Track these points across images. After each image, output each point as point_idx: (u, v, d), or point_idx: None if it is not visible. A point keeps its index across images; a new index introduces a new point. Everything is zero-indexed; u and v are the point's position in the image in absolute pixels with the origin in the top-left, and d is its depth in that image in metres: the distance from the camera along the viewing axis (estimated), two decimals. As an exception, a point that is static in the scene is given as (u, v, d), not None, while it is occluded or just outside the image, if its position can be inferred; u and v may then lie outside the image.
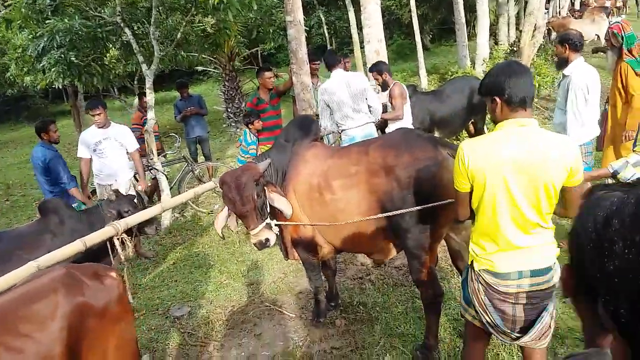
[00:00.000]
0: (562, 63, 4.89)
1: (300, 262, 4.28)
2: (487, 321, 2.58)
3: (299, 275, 5.31)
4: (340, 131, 5.84)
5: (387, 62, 8.46)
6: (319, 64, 7.71)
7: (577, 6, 29.83)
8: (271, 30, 14.51)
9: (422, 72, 13.76)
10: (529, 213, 2.38)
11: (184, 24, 8.54)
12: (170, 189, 7.64)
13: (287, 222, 3.90)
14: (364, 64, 11.34)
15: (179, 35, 8.55)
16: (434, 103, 7.59)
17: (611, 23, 5.37)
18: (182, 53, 12.18)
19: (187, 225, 7.50)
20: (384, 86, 6.42)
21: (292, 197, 3.89)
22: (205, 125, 9.44)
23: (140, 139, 8.02)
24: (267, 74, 6.92)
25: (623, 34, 5.14)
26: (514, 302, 2.49)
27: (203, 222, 7.53)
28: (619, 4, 29.74)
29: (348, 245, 3.91)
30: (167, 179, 7.71)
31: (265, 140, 6.88)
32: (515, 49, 13.56)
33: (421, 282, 3.58)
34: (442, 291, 3.70)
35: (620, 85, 5.25)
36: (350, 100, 5.64)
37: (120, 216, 4.49)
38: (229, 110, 14.29)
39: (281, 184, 3.97)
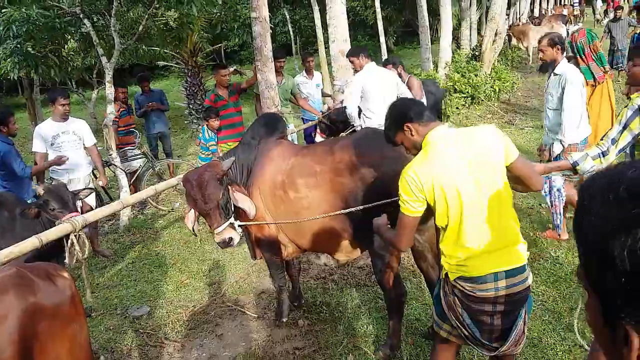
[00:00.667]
0: (549, 65, 4.97)
1: (265, 261, 4.25)
2: (465, 335, 2.55)
3: (262, 275, 5.26)
4: (359, 124, 5.88)
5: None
6: (284, 61, 7.68)
7: (536, 13, 30.65)
8: (235, 27, 14.38)
9: (387, 73, 13.86)
10: (493, 208, 2.41)
11: (146, 17, 8.36)
12: (129, 185, 7.46)
13: (249, 222, 3.86)
14: (329, 63, 11.36)
15: (140, 29, 8.37)
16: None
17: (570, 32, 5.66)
18: (144, 47, 11.95)
19: (146, 223, 7.34)
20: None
21: (257, 196, 3.86)
22: (166, 121, 9.28)
23: (121, 132, 7.90)
24: (223, 71, 6.87)
25: (575, 44, 5.32)
26: (492, 309, 2.46)
27: (163, 220, 7.38)
28: (576, 12, 30.68)
29: (312, 245, 3.89)
30: (126, 175, 7.53)
31: (226, 138, 6.81)
32: (476, 53, 13.85)
33: (385, 282, 3.59)
34: (405, 291, 3.72)
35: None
36: (386, 94, 5.72)
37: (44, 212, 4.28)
38: (191, 106, 14.08)
39: (246, 182, 3.92)
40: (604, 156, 3.03)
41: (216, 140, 6.57)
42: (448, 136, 2.46)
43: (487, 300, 2.45)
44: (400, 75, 6.49)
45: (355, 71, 6.07)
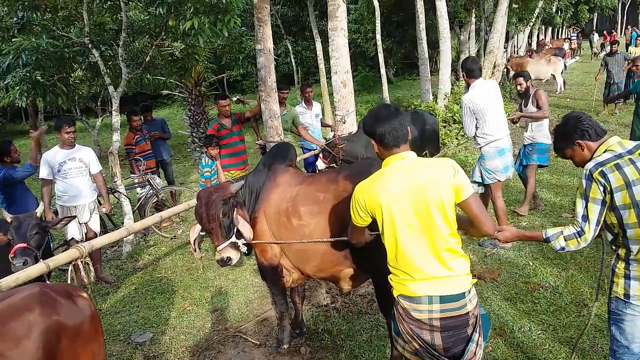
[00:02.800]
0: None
1: (267, 286, 4.31)
2: (415, 348, 2.61)
3: (264, 302, 5.30)
4: (483, 145, 5.82)
5: (352, 92, 8.69)
6: (287, 92, 7.83)
7: (534, 46, 31.13)
8: (240, 58, 14.63)
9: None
10: (431, 238, 2.50)
11: (153, 47, 8.55)
12: (133, 212, 7.54)
13: (253, 241, 3.95)
14: (330, 94, 11.54)
15: (147, 59, 8.55)
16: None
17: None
18: (149, 76, 12.17)
19: (149, 250, 7.39)
20: (526, 92, 6.82)
21: (262, 220, 3.94)
22: (168, 149, 9.42)
23: (135, 159, 8.10)
24: (222, 102, 6.97)
25: None
26: (429, 329, 2.53)
27: (166, 247, 7.43)
28: (574, 45, 31.19)
29: (316, 272, 3.94)
30: (130, 202, 7.62)
31: (229, 166, 6.90)
32: (476, 85, 14.06)
33: (389, 310, 3.62)
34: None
35: None
36: (498, 107, 5.80)
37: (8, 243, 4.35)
38: (194, 135, 14.21)
39: (254, 207, 4.02)
40: (579, 236, 2.81)
41: (212, 167, 6.69)
42: (400, 165, 2.56)
43: (424, 322, 2.53)
44: (527, 88, 6.81)
45: (468, 86, 6.01)
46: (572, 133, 2.95)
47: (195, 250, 4.23)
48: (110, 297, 5.93)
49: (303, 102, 8.40)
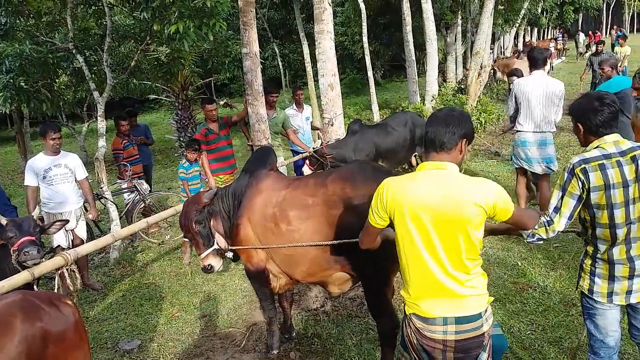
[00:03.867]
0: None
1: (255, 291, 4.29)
2: None
3: (253, 307, 5.27)
4: (516, 131, 6.11)
5: (340, 95, 8.68)
6: (277, 95, 7.80)
7: (520, 47, 31.36)
8: (226, 61, 14.59)
9: (374, 106, 14.09)
10: (449, 257, 2.37)
11: (138, 52, 8.50)
12: (120, 218, 7.47)
13: (231, 248, 3.94)
14: (318, 96, 11.53)
15: (132, 64, 8.50)
16: (380, 135, 7.85)
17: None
18: (135, 81, 12.09)
19: (137, 256, 7.32)
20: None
21: (247, 226, 3.91)
22: (150, 154, 9.46)
23: (122, 163, 8.07)
24: (209, 106, 6.93)
25: None
26: (442, 349, 2.46)
27: (153, 253, 7.37)
28: (560, 46, 31.46)
29: (304, 277, 3.92)
30: (117, 208, 7.55)
31: (218, 170, 6.88)
32: (462, 86, 14.14)
33: (379, 314, 3.62)
34: (399, 323, 3.75)
35: None
36: (542, 105, 5.83)
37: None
38: (181, 139, 14.18)
39: (236, 213, 4.01)
40: (548, 225, 2.84)
41: (189, 170, 6.76)
42: (434, 174, 2.43)
43: (437, 341, 2.45)
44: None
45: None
46: (583, 113, 2.85)
47: (184, 254, 4.24)
48: (97, 304, 5.86)
49: (294, 105, 8.39)
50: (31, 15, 8.78)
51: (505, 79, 18.42)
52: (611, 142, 2.78)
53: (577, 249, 5.60)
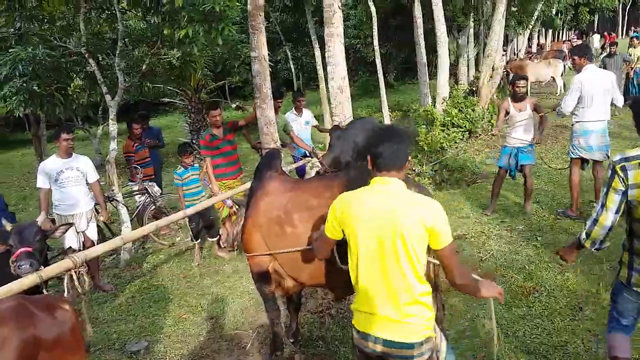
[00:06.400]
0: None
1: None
2: None
3: (260, 310, 5.29)
4: (575, 122, 6.54)
5: (349, 98, 8.70)
6: (280, 101, 7.85)
7: (534, 49, 31.13)
8: (236, 65, 14.68)
9: (385, 108, 14.07)
10: (392, 274, 2.40)
11: (150, 55, 8.59)
12: (131, 221, 7.56)
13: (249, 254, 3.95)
14: (329, 99, 11.54)
15: (144, 67, 8.59)
16: (358, 137, 7.83)
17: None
18: (148, 84, 12.20)
19: (147, 258, 7.40)
20: (523, 96, 7.04)
21: (251, 229, 3.94)
22: (160, 158, 9.59)
23: (134, 166, 8.21)
24: (213, 112, 6.94)
25: None
26: None
27: (164, 255, 7.44)
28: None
29: (310, 280, 3.92)
30: (129, 210, 7.64)
31: (223, 175, 6.90)
32: (474, 88, 14.08)
33: None
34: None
35: None
36: (602, 95, 6.31)
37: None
38: (194, 142, 14.29)
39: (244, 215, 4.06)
40: (595, 223, 3.02)
41: (183, 176, 6.87)
42: (382, 189, 2.47)
43: (369, 355, 2.51)
44: (525, 93, 7.17)
45: (577, 71, 6.61)
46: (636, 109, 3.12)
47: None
48: (107, 305, 5.93)
49: (294, 109, 8.43)
50: (45, 20, 8.90)
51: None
52: None
53: (586, 253, 5.54)
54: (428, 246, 2.45)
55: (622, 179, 2.90)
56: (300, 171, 7.93)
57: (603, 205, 2.99)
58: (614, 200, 2.95)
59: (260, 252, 3.95)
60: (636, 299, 3.07)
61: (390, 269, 2.41)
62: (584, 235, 3.11)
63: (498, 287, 2.67)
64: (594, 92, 6.28)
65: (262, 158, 4.44)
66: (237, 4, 7.53)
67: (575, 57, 6.59)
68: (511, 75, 18.35)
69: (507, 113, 7.04)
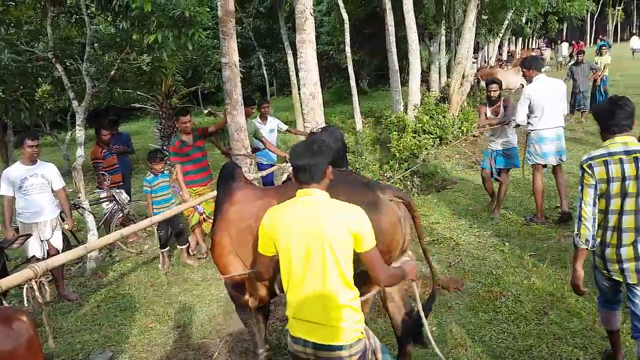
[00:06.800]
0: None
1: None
2: None
3: (228, 318, 5.25)
4: (530, 130, 6.67)
5: (321, 105, 8.71)
6: (253, 108, 7.83)
7: (504, 56, 31.67)
8: (207, 71, 14.61)
9: (357, 115, 14.14)
10: (318, 280, 2.49)
11: (119, 61, 8.50)
12: (98, 228, 7.43)
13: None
14: (301, 105, 11.54)
15: (113, 72, 8.49)
16: (332, 145, 7.89)
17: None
18: (118, 89, 12.06)
19: (114, 266, 7.27)
20: (497, 99, 7.24)
21: (223, 239, 3.89)
22: (129, 164, 9.48)
23: (101, 173, 8.08)
24: (183, 118, 6.87)
25: None
26: None
27: (131, 263, 7.32)
28: (544, 55, 31.82)
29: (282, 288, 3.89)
30: (96, 218, 7.51)
31: (193, 182, 6.84)
32: (445, 95, 14.25)
33: None
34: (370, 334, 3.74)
35: None
36: (553, 103, 6.47)
37: None
38: (165, 148, 14.15)
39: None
40: (580, 220, 3.38)
41: (153, 183, 6.77)
42: (305, 201, 2.58)
43: (301, 357, 2.59)
44: (499, 97, 7.33)
45: (528, 82, 6.81)
46: (606, 118, 3.42)
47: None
48: (71, 315, 5.81)
49: (258, 117, 8.40)
50: (12, 24, 8.75)
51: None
52: (619, 143, 3.32)
53: (551, 257, 5.66)
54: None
55: (591, 174, 3.31)
56: (266, 181, 7.85)
57: (581, 201, 3.36)
58: (589, 194, 3.33)
59: (231, 262, 3.90)
60: (602, 278, 3.52)
61: (318, 275, 2.50)
62: (576, 237, 3.40)
63: (412, 263, 2.93)
64: (545, 101, 6.45)
65: (222, 171, 4.36)
66: (207, 9, 7.49)
67: (525, 70, 6.78)
68: (482, 82, 18.67)
69: (486, 117, 7.22)
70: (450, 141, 12.08)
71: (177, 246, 7.10)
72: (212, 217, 7.11)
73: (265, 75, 21.70)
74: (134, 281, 6.61)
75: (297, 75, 9.97)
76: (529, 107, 6.56)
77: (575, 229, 3.42)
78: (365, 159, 10.95)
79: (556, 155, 6.64)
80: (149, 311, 5.66)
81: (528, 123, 6.67)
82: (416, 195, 8.94)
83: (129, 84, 12.25)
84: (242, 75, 7.66)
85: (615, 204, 3.29)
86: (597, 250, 3.44)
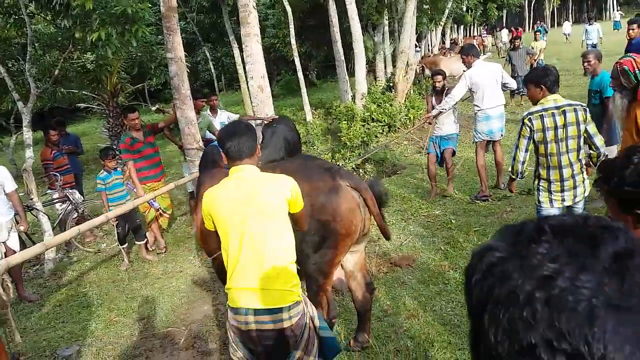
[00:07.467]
0: None
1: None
2: (239, 356, 2.85)
3: (191, 307, 5.40)
4: (477, 111, 7.22)
5: (270, 97, 8.86)
6: (204, 101, 7.92)
7: (447, 44, 32.43)
8: (153, 67, 14.48)
9: (307, 106, 14.34)
10: (257, 250, 2.68)
11: (62, 60, 8.40)
12: (53, 229, 7.39)
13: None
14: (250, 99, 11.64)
15: (56, 72, 8.40)
16: (287, 133, 8.08)
17: (620, 58, 4.53)
18: (62, 90, 11.87)
19: (73, 266, 7.27)
20: (442, 90, 7.58)
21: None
22: (80, 165, 9.44)
23: (52, 174, 7.98)
24: (131, 115, 6.94)
25: (637, 72, 4.22)
26: (249, 340, 2.75)
27: (90, 262, 7.33)
28: (485, 42, 32.75)
29: None
30: (50, 219, 7.46)
31: (147, 178, 6.91)
32: (391, 84, 14.61)
33: (317, 304, 3.82)
34: (337, 313, 3.97)
35: (636, 137, 4.31)
36: (492, 84, 7.07)
37: None
38: (115, 147, 13.97)
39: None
40: (514, 159, 4.39)
41: (106, 180, 6.79)
42: (239, 177, 2.78)
43: (243, 332, 2.74)
44: (443, 87, 7.65)
45: (468, 67, 7.37)
46: (542, 77, 4.18)
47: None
48: (34, 315, 5.82)
49: (208, 110, 8.49)
50: (-53, 27, 8.54)
51: (433, 75, 19.17)
52: (551, 100, 4.15)
53: (494, 231, 6.00)
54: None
55: (529, 127, 4.14)
56: None
57: (517, 147, 4.29)
58: (523, 143, 4.24)
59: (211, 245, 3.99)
60: (547, 210, 4.34)
61: (255, 242, 2.68)
62: (510, 170, 4.49)
63: None
64: (485, 83, 7.05)
65: (203, 156, 4.51)
66: (150, 5, 7.51)
67: (464, 57, 7.46)
68: (426, 70, 19.19)
69: (433, 107, 7.64)
70: (399, 128, 12.45)
71: (136, 242, 7.15)
72: (168, 212, 7.26)
73: (213, 70, 21.56)
74: (94, 279, 6.64)
75: (245, 69, 10.08)
76: (471, 90, 7.15)
77: (510, 167, 4.44)
78: (317, 148, 11.19)
79: (500, 130, 7.26)
80: (112, 306, 5.73)
81: (474, 105, 7.26)
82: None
83: (73, 84, 12.07)
84: (189, 71, 7.72)
85: (551, 147, 4.13)
86: (542, 186, 4.31)
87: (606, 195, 1.82)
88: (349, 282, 4.05)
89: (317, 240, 3.50)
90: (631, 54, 4.35)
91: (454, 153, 7.79)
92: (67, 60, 8.77)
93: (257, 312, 2.66)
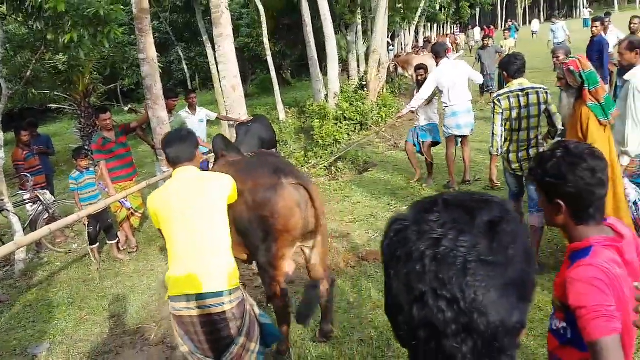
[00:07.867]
0: (627, 69, 5.00)
1: None
2: (185, 351, 3.00)
3: (161, 304, 5.47)
4: (445, 107, 7.54)
5: (243, 96, 8.94)
6: (176, 100, 7.97)
7: (421, 43, 32.76)
8: (125, 67, 14.44)
9: (280, 106, 14.43)
10: (197, 240, 2.94)
11: (34, 61, 8.38)
12: (24, 230, 7.37)
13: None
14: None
15: (28, 73, 8.38)
16: (262, 131, 8.17)
17: (564, 59, 4.99)
18: (33, 91, 11.79)
19: (43, 267, 7.27)
20: (422, 84, 7.77)
21: None
22: (51, 165, 9.45)
23: (23, 174, 7.97)
24: (103, 116, 6.99)
25: (582, 72, 4.27)
26: (192, 327, 2.91)
27: (60, 263, 7.34)
28: (458, 41, 33.19)
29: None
30: (21, 220, 7.44)
31: (119, 178, 6.97)
32: (364, 83, 14.78)
33: (272, 294, 3.94)
34: (292, 303, 4.10)
35: (580, 134, 4.32)
36: (460, 81, 7.43)
37: None
38: (87, 147, 13.89)
39: None
40: (493, 135, 5.02)
41: (79, 180, 6.82)
42: (180, 177, 3.11)
43: (184, 318, 2.90)
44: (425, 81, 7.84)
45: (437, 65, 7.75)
46: (507, 65, 5.00)
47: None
48: (4, 315, 5.83)
49: (187, 108, 8.54)
50: None
51: (405, 74, 19.41)
52: (517, 83, 4.93)
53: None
54: None
55: (499, 106, 4.87)
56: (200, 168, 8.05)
57: (493, 124, 4.96)
58: (498, 119, 4.91)
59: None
60: (509, 176, 5.14)
61: (196, 235, 2.93)
62: (491, 148, 5.10)
63: None
64: (453, 80, 7.39)
65: (214, 141, 4.75)
66: (122, 6, 7.55)
67: (435, 57, 7.95)
68: (399, 69, 19.41)
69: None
70: (371, 126, 12.62)
71: (107, 242, 7.18)
72: (140, 211, 7.30)
73: (186, 70, 21.50)
74: (65, 279, 6.67)
75: (218, 69, 10.13)
76: (438, 88, 7.47)
77: (491, 143, 5.06)
78: (290, 147, 11.30)
79: (469, 126, 7.58)
80: (83, 305, 5.78)
81: (442, 102, 7.59)
82: (340, 179, 9.38)
83: (44, 85, 12.00)
84: (161, 71, 7.77)
85: (515, 124, 4.89)
86: (505, 156, 5.04)
87: (536, 185, 2.00)
88: (310, 274, 4.18)
89: (260, 234, 3.69)
90: (576, 55, 4.53)
91: (436, 144, 8.17)
92: (39, 61, 8.75)
93: (199, 297, 2.83)
